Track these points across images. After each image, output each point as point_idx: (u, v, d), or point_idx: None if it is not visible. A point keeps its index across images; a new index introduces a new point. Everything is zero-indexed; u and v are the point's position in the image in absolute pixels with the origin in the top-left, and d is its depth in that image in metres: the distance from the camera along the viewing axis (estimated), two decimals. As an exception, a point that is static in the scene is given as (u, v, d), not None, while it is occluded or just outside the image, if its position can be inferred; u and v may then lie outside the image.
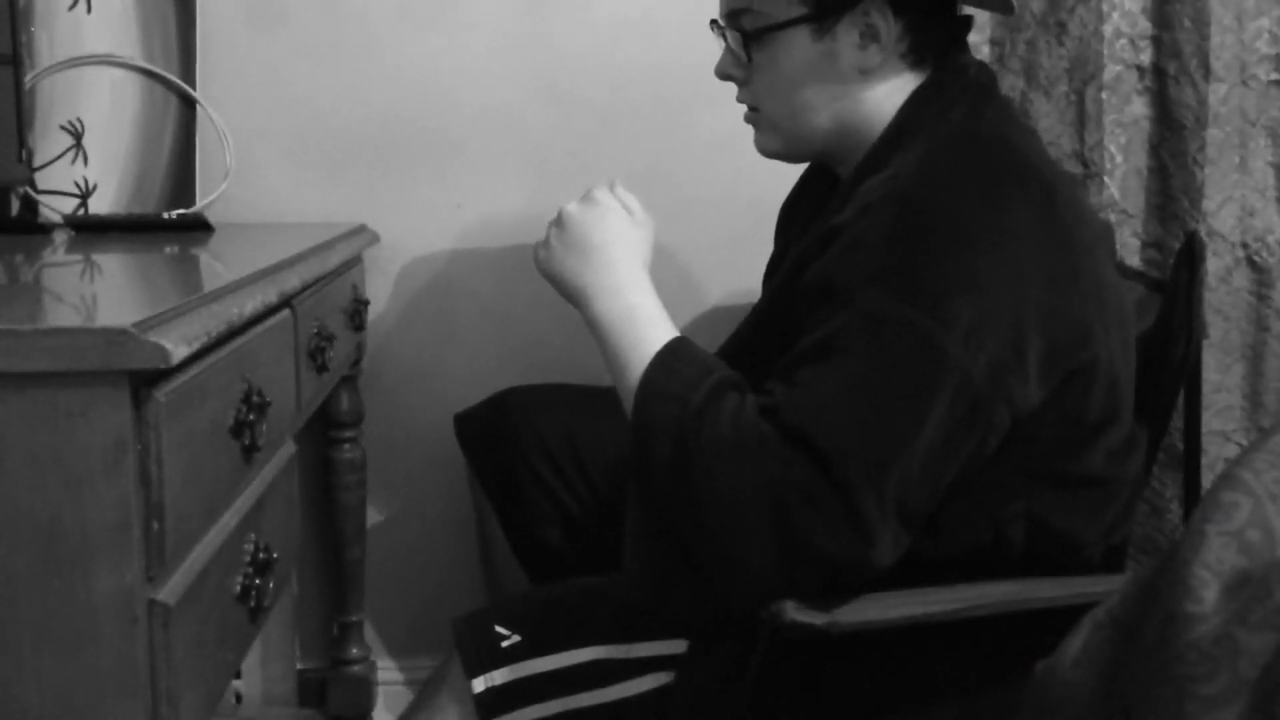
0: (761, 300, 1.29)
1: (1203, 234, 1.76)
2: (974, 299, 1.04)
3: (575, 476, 1.52)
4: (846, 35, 1.20)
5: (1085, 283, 1.12)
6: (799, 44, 1.20)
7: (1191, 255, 1.34)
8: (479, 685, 1.17)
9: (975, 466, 1.08)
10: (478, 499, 1.62)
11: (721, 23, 1.26)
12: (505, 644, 1.18)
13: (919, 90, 1.20)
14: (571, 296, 1.22)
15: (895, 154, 1.16)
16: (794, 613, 1.05)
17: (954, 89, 1.20)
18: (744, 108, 1.28)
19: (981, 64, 1.27)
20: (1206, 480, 1.78)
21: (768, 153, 1.29)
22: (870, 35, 1.20)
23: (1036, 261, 1.08)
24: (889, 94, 1.20)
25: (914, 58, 1.21)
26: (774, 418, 1.03)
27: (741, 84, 1.27)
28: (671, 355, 1.12)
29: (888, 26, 1.19)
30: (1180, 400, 1.41)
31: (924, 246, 1.06)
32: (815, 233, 1.18)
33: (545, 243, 1.24)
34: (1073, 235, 1.13)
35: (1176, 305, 1.35)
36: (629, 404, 1.12)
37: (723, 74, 1.28)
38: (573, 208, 1.24)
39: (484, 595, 1.75)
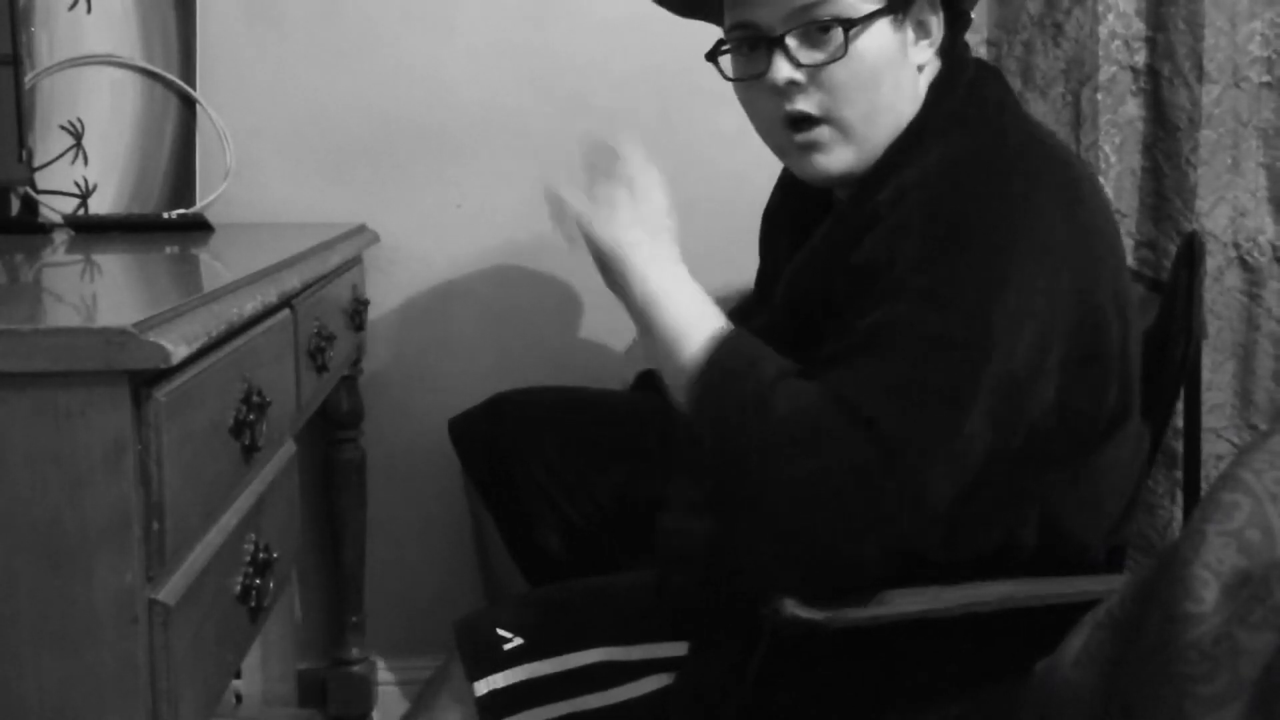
0: (781, 301, 1.27)
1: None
2: (1013, 295, 1.05)
3: (573, 481, 1.52)
4: (911, 28, 1.19)
5: (1108, 277, 1.13)
6: (884, 35, 1.16)
7: (1191, 256, 1.34)
8: (481, 689, 1.17)
9: (999, 466, 1.08)
10: (473, 503, 1.62)
11: (797, 27, 1.16)
12: (507, 647, 1.18)
13: (935, 86, 1.20)
14: (624, 264, 1.13)
15: (916, 151, 1.16)
16: (793, 609, 1.05)
17: (966, 84, 1.20)
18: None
19: (979, 60, 1.28)
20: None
21: (834, 174, 1.19)
22: (924, 29, 1.20)
23: (1068, 258, 1.08)
24: (918, 93, 1.20)
25: (941, 52, 1.21)
26: (839, 402, 1.03)
27: (807, 92, 1.16)
28: (740, 336, 1.11)
29: (938, 20, 1.20)
30: (1178, 400, 1.41)
31: (964, 243, 1.07)
32: (846, 226, 1.17)
33: (608, 203, 1.16)
34: (1100, 228, 1.13)
35: (1176, 305, 1.35)
36: (686, 378, 1.10)
37: (787, 82, 1.16)
38: (653, 177, 1.18)
39: (483, 597, 1.75)
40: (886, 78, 1.17)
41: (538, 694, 1.17)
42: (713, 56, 1.22)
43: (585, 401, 1.59)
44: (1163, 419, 1.39)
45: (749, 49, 1.19)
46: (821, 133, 1.17)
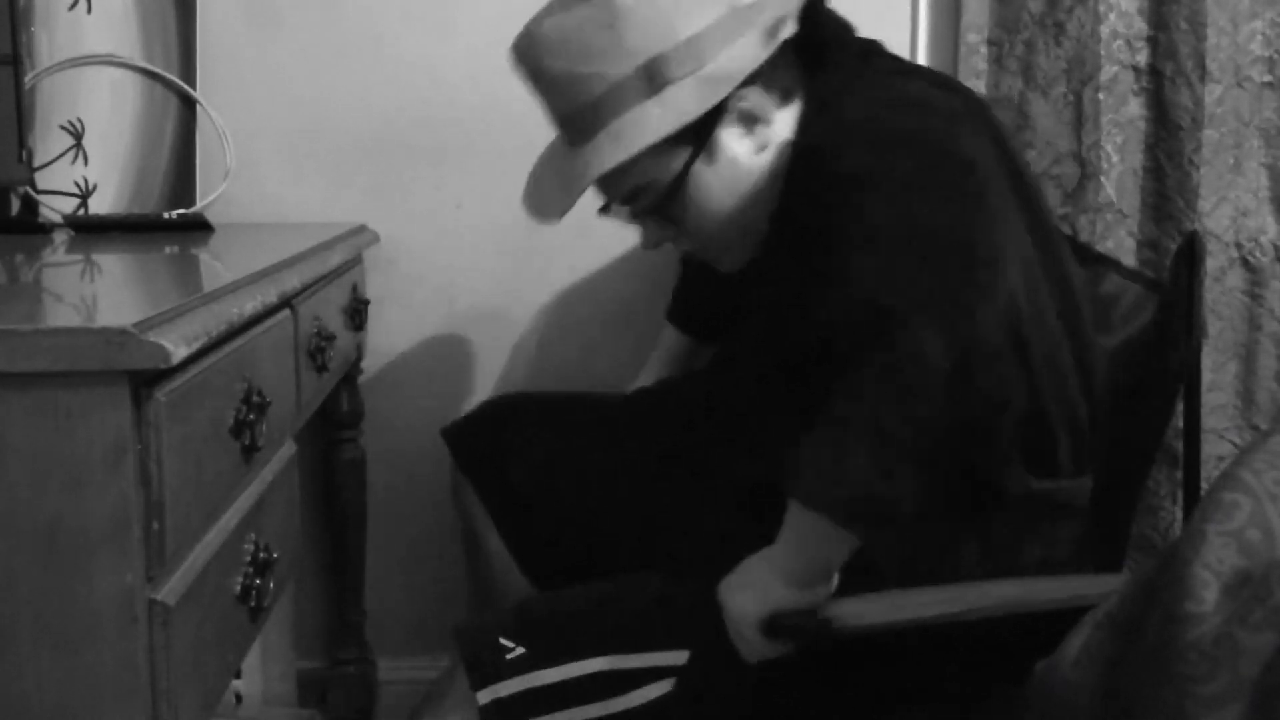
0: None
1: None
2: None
3: (573, 482, 1.51)
4: (730, 137, 1.22)
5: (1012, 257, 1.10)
6: (702, 176, 1.22)
7: (1192, 256, 1.34)
8: (484, 698, 1.17)
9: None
10: (465, 511, 1.60)
11: (623, 209, 1.28)
12: (509, 656, 1.18)
13: (802, 117, 1.22)
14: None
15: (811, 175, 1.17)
16: (792, 619, 1.06)
17: (833, 90, 1.20)
18: None
19: (836, 32, 1.28)
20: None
21: (736, 268, 1.29)
22: (749, 119, 1.22)
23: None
24: (779, 159, 1.23)
25: (790, 95, 1.23)
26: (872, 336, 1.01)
27: (678, 239, 1.29)
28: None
29: (763, 99, 1.21)
30: (1178, 400, 1.41)
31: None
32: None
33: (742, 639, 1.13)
34: (993, 207, 1.10)
35: (1176, 305, 1.35)
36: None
37: (656, 243, 1.30)
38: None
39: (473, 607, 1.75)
40: (729, 198, 1.23)
41: (540, 703, 1.17)
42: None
43: (579, 403, 1.59)
44: (1162, 419, 1.38)
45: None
46: (708, 255, 1.30)
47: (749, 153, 1.22)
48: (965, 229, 1.01)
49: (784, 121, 1.23)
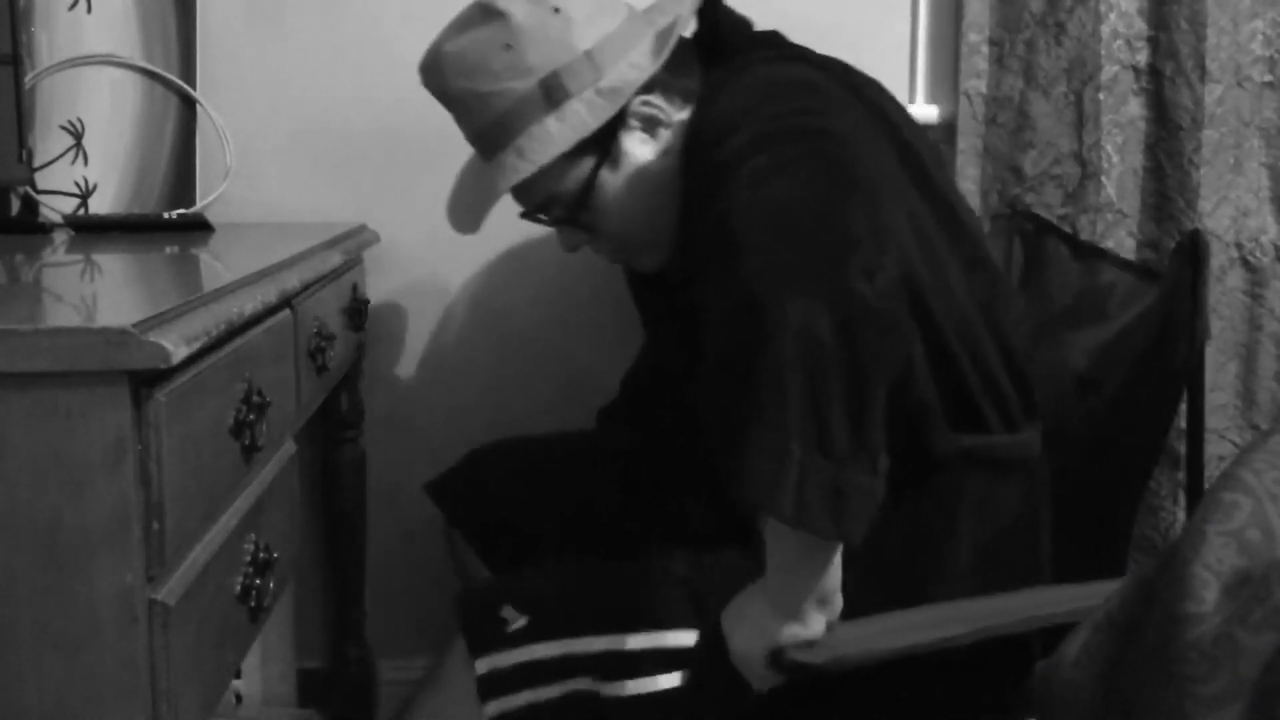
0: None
1: (1198, 234, 1.76)
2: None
3: (557, 524, 1.50)
4: (632, 142, 1.25)
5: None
6: (608, 183, 1.25)
7: (1196, 255, 1.33)
8: (482, 667, 1.17)
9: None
10: (461, 562, 1.58)
11: (538, 215, 1.32)
12: (511, 628, 1.17)
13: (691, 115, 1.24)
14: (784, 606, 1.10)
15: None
16: (795, 654, 1.06)
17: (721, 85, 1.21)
18: None
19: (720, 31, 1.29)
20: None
21: (655, 268, 1.33)
22: (651, 123, 1.25)
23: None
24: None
25: (691, 96, 1.25)
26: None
27: (594, 243, 1.32)
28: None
29: (663, 103, 1.25)
30: (1180, 402, 1.41)
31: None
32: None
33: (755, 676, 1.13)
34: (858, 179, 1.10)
35: (1177, 304, 1.35)
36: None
37: (574, 247, 1.33)
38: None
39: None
40: (638, 200, 1.26)
41: (538, 677, 1.17)
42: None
43: (557, 444, 1.59)
44: (1165, 420, 1.38)
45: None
46: (622, 256, 1.34)
47: (653, 156, 1.26)
48: (838, 206, 1.02)
49: (685, 122, 1.25)
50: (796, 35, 1.35)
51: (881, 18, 1.81)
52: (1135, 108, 1.78)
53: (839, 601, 1.08)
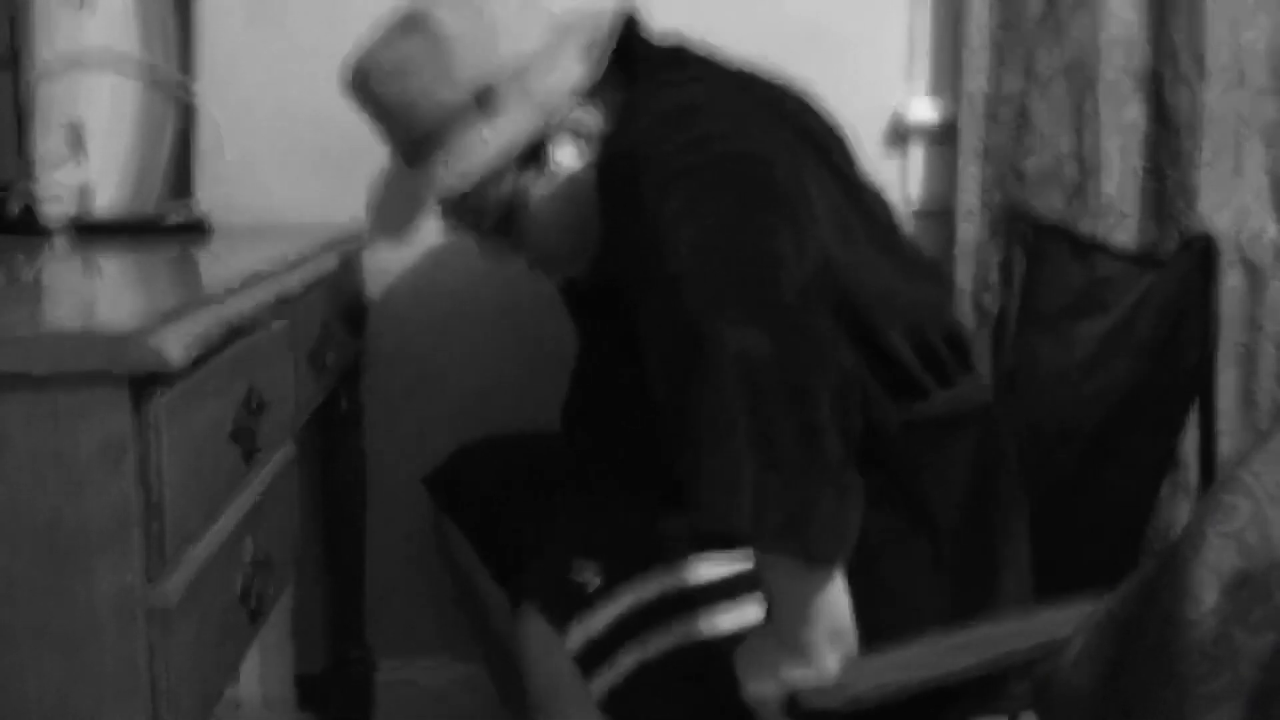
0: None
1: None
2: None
3: (548, 514, 1.50)
4: (562, 153, 1.26)
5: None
6: (536, 194, 1.26)
7: (1208, 261, 1.33)
8: (576, 640, 1.16)
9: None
10: (453, 558, 1.59)
11: (460, 223, 1.32)
12: (590, 587, 1.17)
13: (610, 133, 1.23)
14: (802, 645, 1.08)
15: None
16: (810, 698, 1.05)
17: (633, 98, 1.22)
18: None
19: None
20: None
21: (575, 275, 1.34)
22: (579, 134, 1.25)
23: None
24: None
25: (616, 107, 1.25)
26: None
27: (517, 252, 1.32)
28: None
29: (590, 114, 1.25)
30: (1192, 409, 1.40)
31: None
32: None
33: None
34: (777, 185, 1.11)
35: (1185, 309, 1.34)
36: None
37: (497, 257, 1.34)
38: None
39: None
40: (566, 210, 1.26)
41: (637, 627, 1.15)
42: None
43: (536, 445, 1.59)
44: (1174, 426, 1.38)
45: None
46: (545, 267, 1.34)
47: (580, 166, 1.26)
48: (763, 226, 1.03)
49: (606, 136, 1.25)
50: (796, 35, 1.35)
51: (882, 17, 1.82)
52: (1135, 108, 1.78)
53: (852, 638, 1.06)
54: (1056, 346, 1.49)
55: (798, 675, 1.06)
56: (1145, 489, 1.39)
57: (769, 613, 1.08)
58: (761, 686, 1.08)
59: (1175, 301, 1.38)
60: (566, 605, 1.17)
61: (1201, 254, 1.35)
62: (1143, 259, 1.53)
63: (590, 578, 1.18)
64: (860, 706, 1.06)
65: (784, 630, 1.06)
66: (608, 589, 1.17)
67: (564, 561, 1.21)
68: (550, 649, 1.19)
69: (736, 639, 1.13)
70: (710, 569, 1.16)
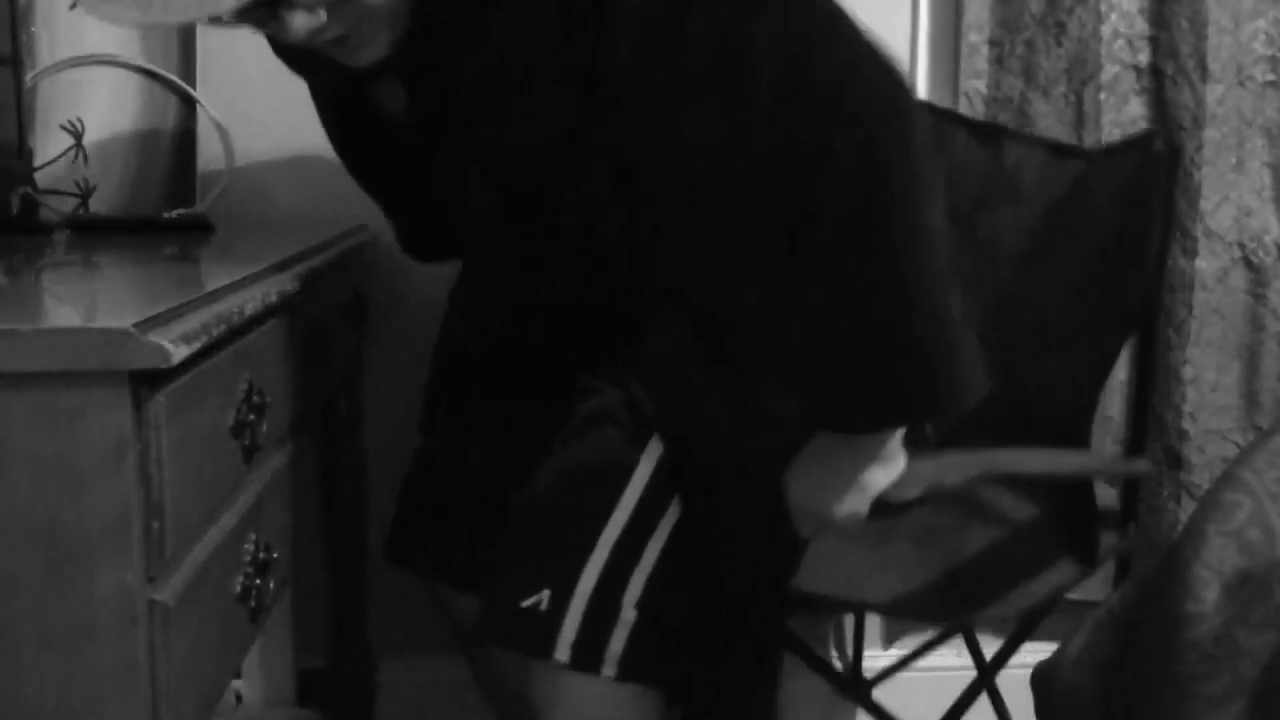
0: None
1: (1198, 233, 1.76)
2: None
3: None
4: None
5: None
6: None
7: (1171, 165, 1.33)
8: (562, 655, 1.13)
9: None
10: (447, 614, 1.54)
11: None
12: (541, 606, 1.14)
13: None
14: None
15: None
16: (893, 495, 1.10)
17: None
18: None
19: None
20: (1202, 478, 1.78)
21: (378, 59, 1.14)
22: None
23: None
24: None
25: None
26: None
27: (329, 24, 1.10)
28: None
29: None
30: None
31: None
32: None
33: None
34: None
35: (1143, 204, 1.34)
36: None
37: (299, 33, 1.11)
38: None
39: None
40: None
41: (607, 603, 1.14)
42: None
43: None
44: (1127, 325, 1.38)
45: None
46: (353, 36, 1.13)
47: None
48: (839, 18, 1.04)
49: None
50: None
51: (881, 17, 1.81)
52: (1136, 108, 1.78)
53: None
54: (978, 231, 1.47)
55: (881, 479, 1.09)
56: (1091, 385, 1.39)
57: (823, 441, 1.10)
58: (849, 503, 1.10)
59: (1127, 195, 1.36)
60: (534, 632, 1.14)
61: (1167, 157, 1.34)
62: (1061, 148, 1.51)
63: (536, 598, 1.15)
64: (941, 492, 1.12)
65: (873, 444, 1.08)
66: (556, 592, 1.14)
67: (507, 593, 1.17)
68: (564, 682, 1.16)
69: (704, 517, 1.13)
70: (633, 490, 1.15)
